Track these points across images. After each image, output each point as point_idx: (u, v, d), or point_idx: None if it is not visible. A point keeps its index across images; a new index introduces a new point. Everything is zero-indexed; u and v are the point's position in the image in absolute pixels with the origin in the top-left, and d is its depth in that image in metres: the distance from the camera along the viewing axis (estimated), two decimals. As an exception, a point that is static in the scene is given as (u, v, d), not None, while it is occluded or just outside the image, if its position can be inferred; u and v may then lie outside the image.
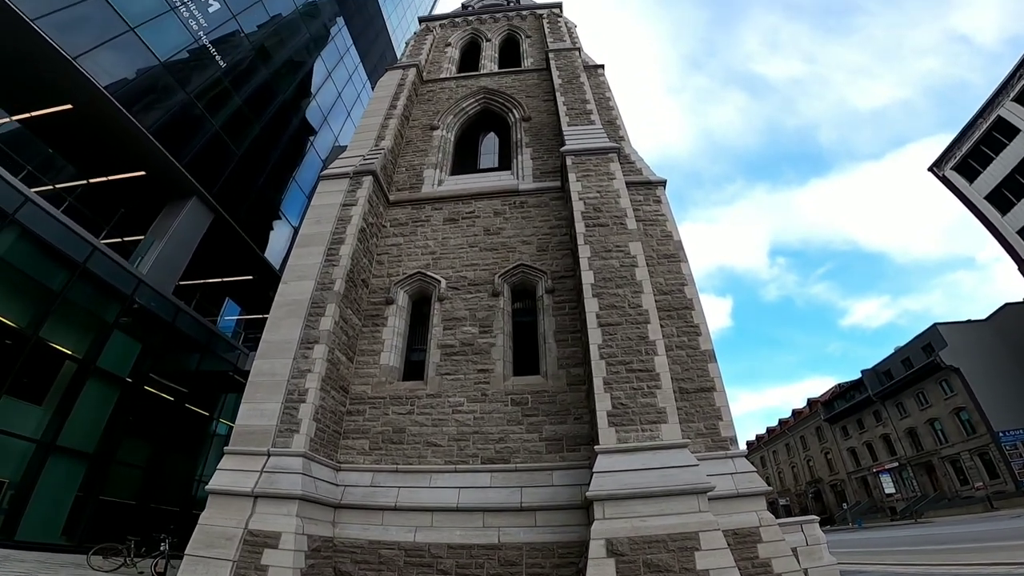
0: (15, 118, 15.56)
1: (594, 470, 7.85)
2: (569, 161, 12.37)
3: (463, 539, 8.36)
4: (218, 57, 21.11)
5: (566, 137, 13.34)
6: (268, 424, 8.87)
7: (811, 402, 65.76)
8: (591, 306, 9.58)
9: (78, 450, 14.30)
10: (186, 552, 7.61)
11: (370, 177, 12.90)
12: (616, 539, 6.99)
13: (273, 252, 23.87)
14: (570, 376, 10.20)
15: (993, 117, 31.76)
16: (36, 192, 13.90)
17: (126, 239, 18.26)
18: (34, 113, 15.55)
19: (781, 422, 72.87)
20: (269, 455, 8.56)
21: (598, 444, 8.18)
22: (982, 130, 32.53)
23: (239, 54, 22.79)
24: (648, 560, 6.83)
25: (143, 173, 17.84)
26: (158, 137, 17.29)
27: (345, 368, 10.64)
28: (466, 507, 8.69)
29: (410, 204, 13.94)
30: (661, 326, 9.63)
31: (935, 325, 43.00)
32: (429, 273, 12.25)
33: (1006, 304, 40.89)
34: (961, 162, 34.28)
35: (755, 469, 8.97)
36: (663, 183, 12.96)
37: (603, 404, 8.45)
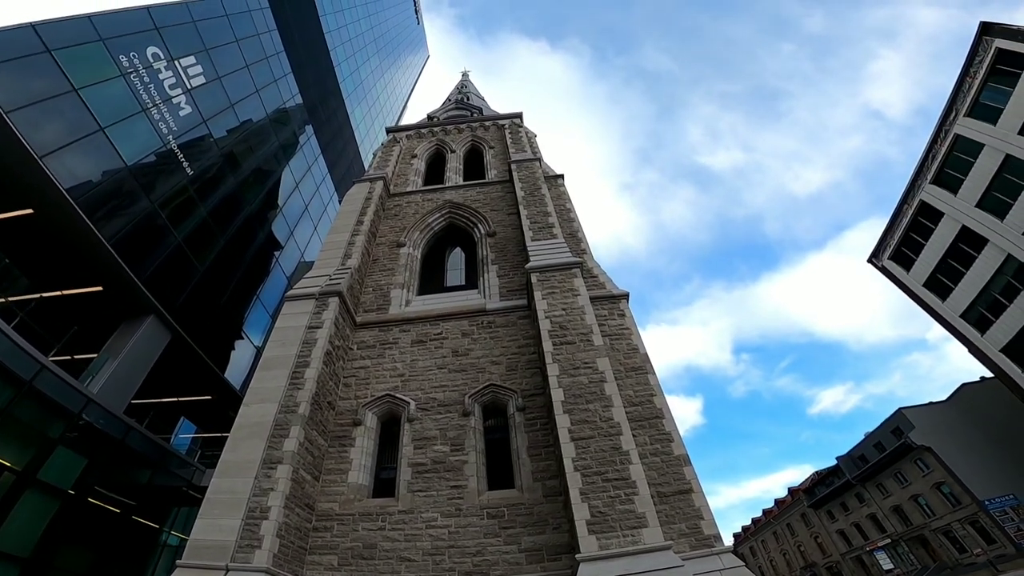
0: None
1: None
2: (534, 279, 13.10)
3: None
4: (185, 163, 21.51)
5: (530, 253, 14.23)
6: (227, 539, 8.74)
7: (792, 490, 66.55)
8: (563, 422, 10.25)
9: (11, 553, 13.79)
10: None
11: (336, 298, 13.31)
12: None
13: (234, 372, 23.59)
14: (545, 488, 10.70)
15: (916, 202, 33.79)
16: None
17: (76, 356, 17.93)
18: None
19: (765, 512, 73.33)
20: (228, 570, 8.40)
21: (579, 552, 8.57)
22: (908, 216, 34.67)
23: (207, 160, 23.48)
24: None
25: (100, 288, 17.99)
26: (118, 249, 17.37)
27: (311, 487, 10.80)
28: None
29: (377, 326, 14.31)
30: (633, 435, 10.46)
31: (900, 410, 45.28)
32: (398, 395, 12.62)
33: (963, 384, 43.81)
34: (896, 251, 36.58)
35: (742, 563, 9.40)
36: (626, 296, 13.72)
37: (581, 513, 8.97)
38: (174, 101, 21.25)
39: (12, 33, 14.99)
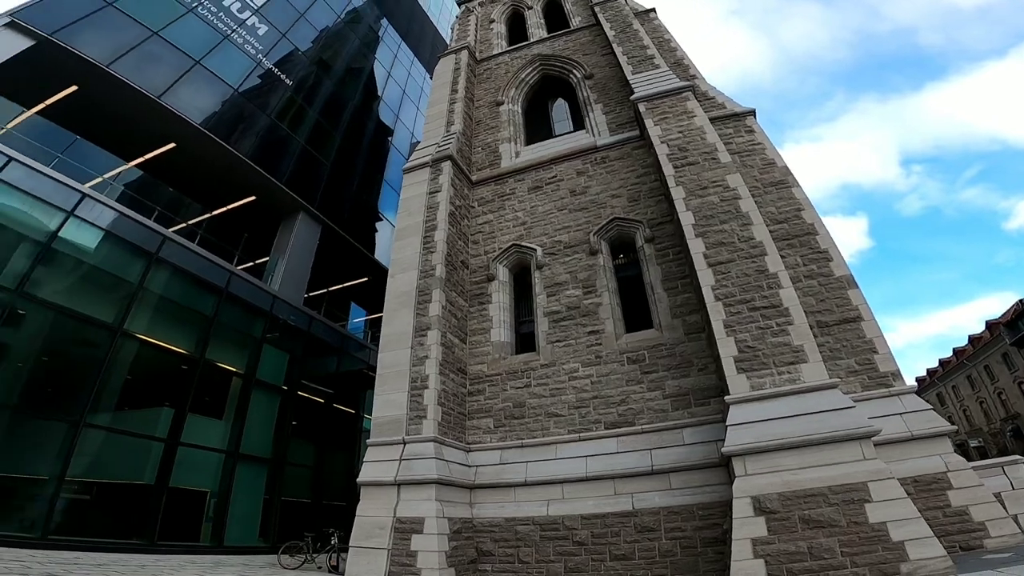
0: (133, 163, 17.98)
1: (728, 423, 7.48)
2: (642, 108, 12.23)
3: (595, 508, 8.53)
4: (283, 76, 22.80)
5: (633, 85, 13.21)
6: (399, 414, 9.78)
7: (990, 324, 54.77)
8: (696, 247, 9.17)
9: (258, 456, 16.71)
10: (350, 544, 8.74)
11: (448, 162, 13.49)
12: (764, 496, 6.57)
13: (381, 252, 25.59)
14: (687, 325, 9.79)
15: None
16: (172, 231, 16.29)
17: (257, 262, 20.45)
18: (147, 156, 17.67)
19: (956, 351, 61.89)
20: (404, 443, 9.46)
21: (728, 394, 7.74)
22: None
23: (301, 70, 24.44)
24: (806, 516, 6.32)
25: (253, 198, 20.20)
26: (256, 161, 19.42)
27: (460, 350, 11.28)
28: (595, 475, 8.82)
29: (493, 181, 14.40)
30: (782, 256, 8.94)
31: None
32: (524, 243, 12.52)
33: None
34: None
35: (930, 407, 7.84)
36: (752, 112, 12.28)
37: (727, 350, 7.98)
38: (248, 23, 21.78)
39: None
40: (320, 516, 17.39)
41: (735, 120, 12.15)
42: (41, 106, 15.28)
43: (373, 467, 9.40)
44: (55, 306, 12.51)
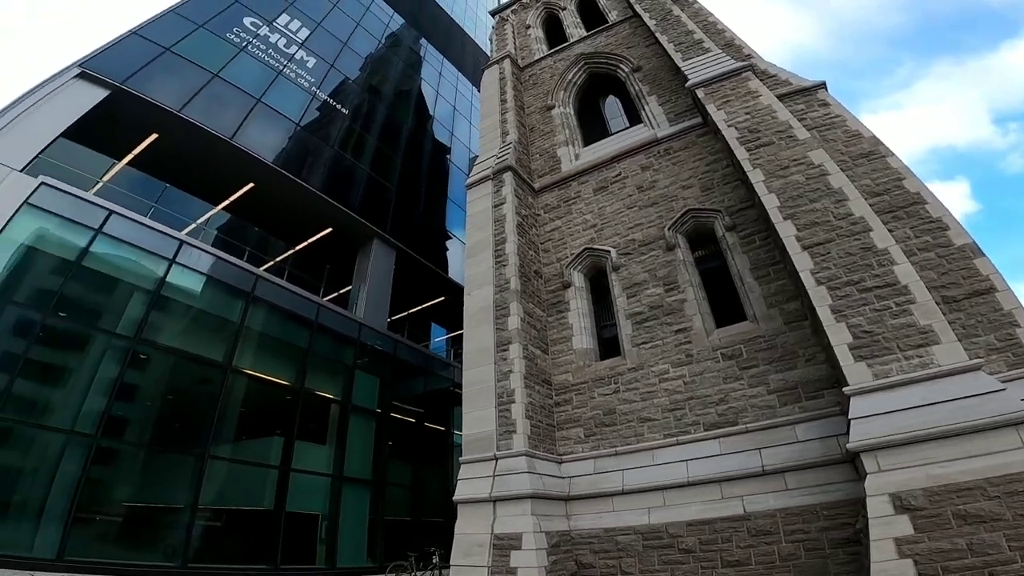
0: (219, 207, 19.31)
1: (850, 416, 6.79)
2: (700, 94, 11.79)
3: (701, 514, 8.07)
4: (339, 106, 23.40)
5: (686, 72, 12.73)
6: (488, 430, 9.79)
7: None
8: (786, 230, 8.52)
9: (360, 478, 17.43)
10: (451, 563, 8.80)
11: (509, 172, 13.55)
12: (906, 492, 5.93)
13: (454, 270, 26.06)
14: (785, 314, 9.08)
15: None
16: (262, 270, 17.44)
17: (340, 291, 21.55)
18: (231, 199, 18.92)
19: None
20: (496, 459, 9.44)
21: (847, 385, 7.02)
22: None
23: (354, 98, 25.24)
24: (962, 512, 5.64)
25: (330, 230, 21.26)
26: (327, 193, 20.08)
27: (542, 361, 11.15)
28: (698, 480, 8.36)
29: (555, 186, 14.27)
30: (889, 231, 8.05)
31: None
32: (596, 246, 12.26)
33: None
34: None
35: None
36: (821, 85, 11.47)
37: (839, 337, 7.29)
38: (296, 57, 22.55)
39: (124, 43, 16.32)
40: (420, 533, 17.81)
41: (804, 95, 11.32)
42: (129, 157, 16.44)
43: (467, 484, 9.45)
44: (172, 349, 13.78)
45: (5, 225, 11.36)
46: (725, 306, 10.05)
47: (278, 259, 20.02)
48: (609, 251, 11.88)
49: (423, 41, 35.72)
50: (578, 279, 12.21)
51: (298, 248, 21.09)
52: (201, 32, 19.05)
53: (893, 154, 9.50)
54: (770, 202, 8.91)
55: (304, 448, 15.76)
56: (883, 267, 7.42)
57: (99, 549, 11.11)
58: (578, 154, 14.80)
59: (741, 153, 9.92)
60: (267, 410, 16.23)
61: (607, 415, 10.06)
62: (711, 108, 11.18)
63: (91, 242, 12.85)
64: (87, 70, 14.87)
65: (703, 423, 8.91)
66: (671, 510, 8.32)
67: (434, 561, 11.45)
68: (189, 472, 12.81)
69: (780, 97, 11.09)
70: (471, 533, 8.78)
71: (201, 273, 15.21)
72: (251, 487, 14.47)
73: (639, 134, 13.80)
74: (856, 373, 6.94)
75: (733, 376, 8.98)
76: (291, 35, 23.17)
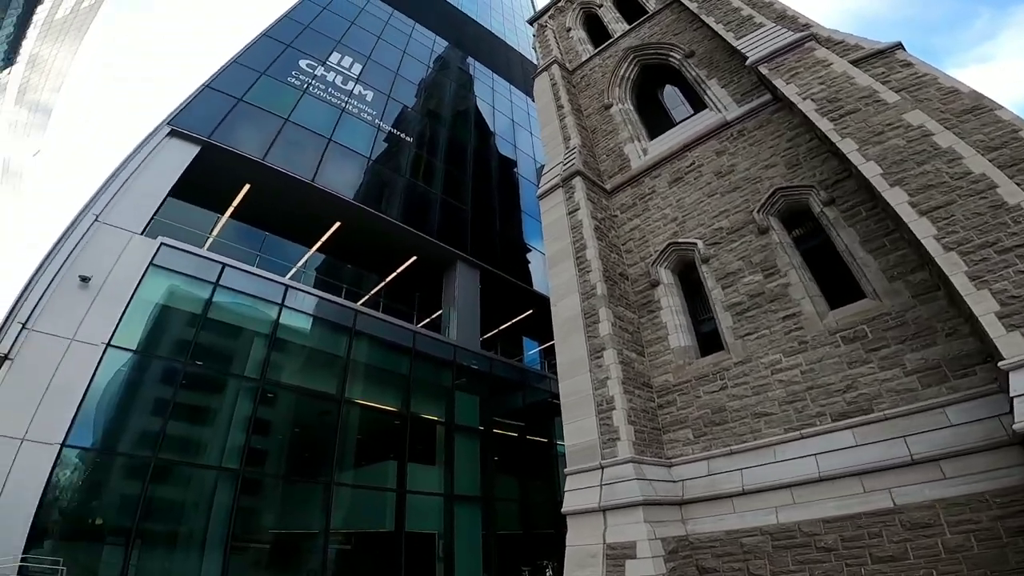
0: (314, 249, 20.17)
1: (1012, 394, 6.02)
2: (764, 71, 11.21)
3: (840, 510, 7.44)
4: (403, 135, 23.98)
5: (743, 51, 12.15)
6: (591, 439, 9.64)
7: None
8: (895, 197, 7.79)
9: (470, 495, 17.84)
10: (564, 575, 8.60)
11: (578, 177, 13.39)
12: None
13: (538, 282, 26.11)
14: (912, 286, 8.22)
15: None
16: (359, 304, 18.43)
17: (432, 316, 22.37)
18: (323, 239, 19.83)
19: None
20: (602, 468, 9.28)
21: (1002, 360, 6.23)
22: None
23: (416, 125, 25.89)
24: None
25: (415, 258, 21.98)
26: (407, 222, 20.64)
27: (639, 364, 10.87)
28: (832, 474, 7.71)
29: (628, 185, 13.94)
30: (1017, 185, 7.12)
31: None
32: (680, 240, 11.83)
33: None
34: None
35: None
36: (898, 45, 10.52)
37: (983, 306, 6.51)
38: (355, 92, 23.12)
39: (201, 97, 17.27)
40: (531, 546, 17.90)
41: (881, 58, 10.33)
42: (230, 210, 17.76)
43: (575, 495, 9.35)
44: (293, 386, 15.05)
45: (137, 286, 12.77)
46: (835, 286, 9.29)
47: (372, 292, 21.15)
48: (695, 243, 11.41)
49: (469, 60, 36.18)
50: (666, 276, 11.81)
51: (388, 280, 22.11)
52: (265, 79, 19.94)
53: (1001, 107, 8.48)
54: (870, 170, 8.19)
55: (415, 470, 16.40)
56: (1020, 224, 6.60)
57: (254, 574, 12.27)
58: (646, 149, 14.41)
59: (825, 124, 9.24)
60: (379, 436, 17.14)
61: (716, 413, 9.58)
62: (779, 83, 10.53)
63: (212, 294, 14.24)
64: (176, 127, 15.68)
65: (829, 414, 8.22)
66: (803, 508, 7.75)
67: (548, 575, 11.35)
68: (319, 499, 13.81)
69: (854, 63, 10.25)
70: (582, 544, 8.67)
71: (307, 314, 16.46)
72: (373, 510, 15.32)
73: (706, 119, 13.22)
74: (1010, 345, 6.12)
75: (859, 360, 8.23)
76: (345, 72, 23.89)
